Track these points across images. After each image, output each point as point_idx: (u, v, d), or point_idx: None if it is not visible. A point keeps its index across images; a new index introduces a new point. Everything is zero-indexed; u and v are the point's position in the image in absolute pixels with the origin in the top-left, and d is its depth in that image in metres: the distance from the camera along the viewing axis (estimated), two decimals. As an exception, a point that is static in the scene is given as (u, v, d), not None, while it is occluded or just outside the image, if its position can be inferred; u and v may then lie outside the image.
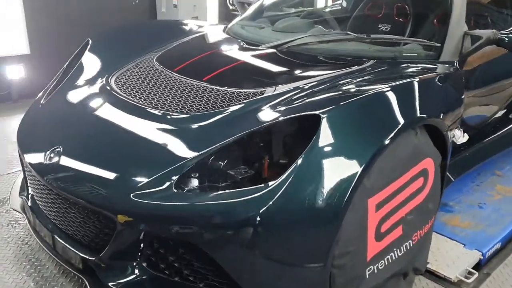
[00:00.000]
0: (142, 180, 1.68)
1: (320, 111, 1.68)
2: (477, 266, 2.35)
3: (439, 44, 2.44)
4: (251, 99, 1.97)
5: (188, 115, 1.94)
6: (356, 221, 1.70)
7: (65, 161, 1.84)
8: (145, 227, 1.64)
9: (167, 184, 1.64)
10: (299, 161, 1.59)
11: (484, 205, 2.84)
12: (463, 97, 2.26)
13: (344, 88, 1.98)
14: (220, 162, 1.74)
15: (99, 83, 2.35)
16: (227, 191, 1.61)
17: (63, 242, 1.88)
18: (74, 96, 2.30)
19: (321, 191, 1.59)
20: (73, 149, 1.89)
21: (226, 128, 1.83)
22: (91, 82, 2.38)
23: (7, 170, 3.20)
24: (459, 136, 2.19)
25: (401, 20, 3.27)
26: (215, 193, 1.61)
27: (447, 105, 2.14)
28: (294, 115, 1.73)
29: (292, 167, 1.59)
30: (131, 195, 1.64)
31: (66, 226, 1.88)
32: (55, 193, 1.86)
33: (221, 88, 2.09)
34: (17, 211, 2.28)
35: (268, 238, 1.58)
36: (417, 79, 2.05)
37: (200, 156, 1.72)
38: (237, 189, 1.60)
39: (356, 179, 1.60)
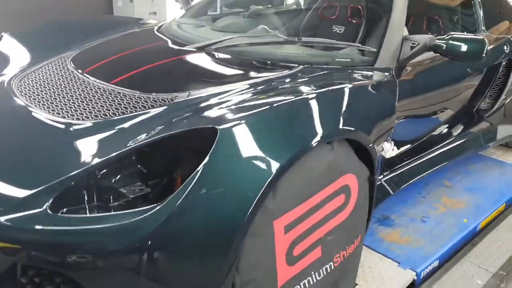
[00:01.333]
0: (16, 199, 1.46)
1: (221, 123, 1.50)
2: (412, 287, 2.21)
3: (375, 49, 2.28)
4: (158, 106, 1.78)
5: (85, 123, 1.73)
6: (260, 246, 1.53)
7: None
8: (17, 254, 1.43)
9: (43, 205, 1.43)
10: (192, 179, 1.40)
11: (427, 218, 2.70)
12: (395, 108, 2.09)
13: (260, 96, 1.80)
14: (112, 178, 1.54)
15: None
16: (100, 214, 1.42)
17: None
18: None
19: (216, 213, 1.41)
20: None
21: (122, 138, 1.62)
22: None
23: None
24: (388, 149, 2.03)
25: (354, 21, 3.13)
26: (88, 216, 1.42)
27: (377, 116, 1.98)
28: (188, 128, 1.54)
29: (182, 186, 1.40)
30: (2, 218, 1.42)
31: None
32: None
33: (128, 92, 1.88)
34: None
35: (154, 265, 1.40)
36: (342, 87, 1.89)
37: (87, 171, 1.52)
38: (116, 212, 1.41)
39: (256, 200, 1.42)
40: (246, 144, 1.49)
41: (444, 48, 2.13)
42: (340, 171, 1.74)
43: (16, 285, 1.47)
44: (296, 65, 2.15)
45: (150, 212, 1.37)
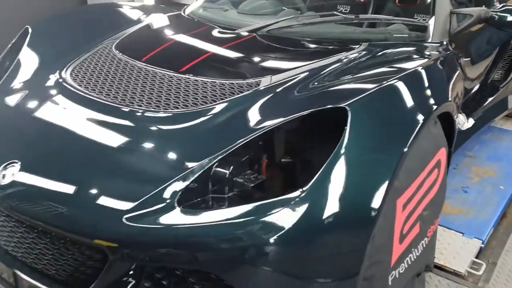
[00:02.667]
0: (137, 198, 1.35)
1: (345, 103, 1.44)
2: (478, 255, 2.27)
3: (427, 24, 2.28)
4: (247, 92, 1.69)
5: (172, 114, 1.62)
6: (386, 226, 1.50)
7: (26, 179, 1.46)
8: (142, 256, 1.32)
9: (168, 201, 1.33)
10: (327, 163, 1.35)
11: (468, 188, 2.77)
12: (462, 78, 2.12)
13: (352, 76, 1.76)
14: (226, 169, 1.45)
15: (50, 79, 1.95)
16: (248, 205, 1.33)
17: (28, 280, 1.51)
18: (19, 98, 1.87)
19: (353, 196, 1.37)
20: (33, 164, 1.51)
21: (227, 127, 1.54)
22: (38, 78, 1.97)
23: None
24: (464, 121, 2.06)
25: (361, 0, 3.12)
26: (235, 208, 1.33)
27: (452, 89, 1.99)
28: (316, 109, 1.47)
29: (321, 170, 1.34)
30: (124, 218, 1.31)
31: (33, 259, 1.50)
32: (14, 220, 1.48)
33: (206, 80, 1.78)
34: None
35: (297, 256, 1.34)
36: (424, 66, 1.87)
37: (203, 164, 1.42)
38: (265, 201, 1.32)
39: (388, 180, 1.39)
40: (372, 124, 1.46)
41: (496, 19, 2.18)
42: (438, 146, 1.74)
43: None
44: (358, 43, 2.12)
45: (294, 201, 1.31)
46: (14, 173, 1.48)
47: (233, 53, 2.09)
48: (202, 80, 1.78)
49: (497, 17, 2.18)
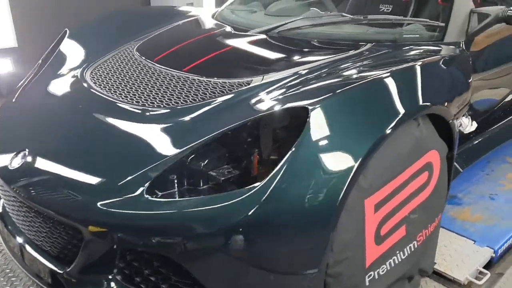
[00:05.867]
0: (111, 185, 1.50)
1: (309, 101, 1.49)
2: (489, 265, 2.17)
3: (443, 24, 2.22)
4: (235, 90, 1.78)
5: (166, 110, 1.75)
6: (352, 224, 1.52)
7: (28, 165, 1.66)
8: (115, 238, 1.46)
9: (139, 189, 1.46)
10: (286, 159, 1.40)
11: (496, 196, 2.64)
12: (470, 81, 2.05)
13: (338, 75, 1.78)
14: (200, 162, 1.55)
15: (73, 77, 2.17)
16: (205, 196, 1.43)
17: (31, 253, 1.72)
18: (46, 92, 2.11)
19: (312, 192, 1.41)
20: (38, 152, 1.70)
21: (207, 123, 1.64)
22: (65, 76, 2.20)
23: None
24: (467, 125, 1.99)
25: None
26: (191, 199, 1.44)
27: (453, 91, 1.94)
28: (279, 108, 1.54)
29: (278, 166, 1.40)
30: (99, 203, 1.46)
31: (34, 235, 1.71)
32: (20, 201, 1.69)
33: (203, 79, 1.89)
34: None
35: (255, 246, 1.41)
36: (419, 63, 1.85)
37: (177, 156, 1.53)
38: (217, 194, 1.42)
39: (350, 177, 1.42)
40: (337, 122, 1.49)
41: (517, 18, 2.07)
42: (425, 148, 1.71)
43: (115, 268, 1.52)
44: (364, 44, 2.12)
45: (249, 193, 1.38)
46: (21, 160, 1.68)
47: (237, 53, 2.19)
48: (198, 79, 1.89)
49: (518, 16, 2.06)
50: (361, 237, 1.57)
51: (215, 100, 1.74)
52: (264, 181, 1.39)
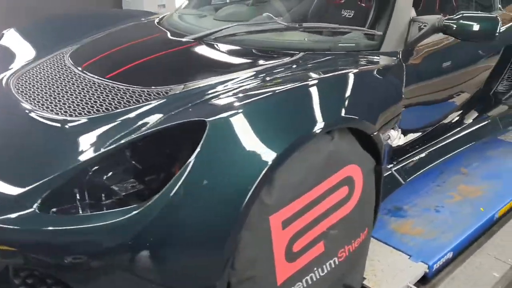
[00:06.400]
0: (5, 199, 1.43)
1: (213, 115, 1.44)
2: (424, 280, 2.12)
3: (380, 33, 2.17)
4: (152, 100, 1.72)
5: (81, 119, 1.68)
6: (257, 242, 1.47)
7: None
8: (7, 257, 1.40)
9: (31, 205, 1.40)
10: (182, 173, 1.35)
11: (442, 208, 2.59)
12: (402, 94, 1.99)
13: (257, 86, 1.73)
14: (104, 175, 1.50)
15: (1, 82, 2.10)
16: (90, 213, 1.38)
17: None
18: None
19: (209, 207, 1.36)
20: None
21: (114, 134, 1.57)
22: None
23: None
24: (395, 137, 1.93)
25: (364, 5, 3.01)
26: (80, 215, 1.38)
27: (381, 103, 1.88)
28: (179, 122, 1.48)
29: (172, 180, 1.35)
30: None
31: None
32: None
33: (122, 87, 1.83)
34: None
35: (150, 263, 1.35)
36: (344, 73, 1.80)
37: (78, 168, 1.47)
38: (100, 212, 1.36)
39: (250, 193, 1.36)
40: (240, 134, 1.43)
41: (454, 28, 2.02)
42: (341, 162, 1.66)
43: (10, 286, 1.45)
44: (297, 52, 2.07)
45: (140, 209, 1.33)
46: None
47: (165, 60, 2.12)
48: (117, 87, 1.83)
49: (454, 26, 2.01)
50: (268, 255, 1.51)
51: (128, 110, 1.68)
52: (155, 198, 1.33)
